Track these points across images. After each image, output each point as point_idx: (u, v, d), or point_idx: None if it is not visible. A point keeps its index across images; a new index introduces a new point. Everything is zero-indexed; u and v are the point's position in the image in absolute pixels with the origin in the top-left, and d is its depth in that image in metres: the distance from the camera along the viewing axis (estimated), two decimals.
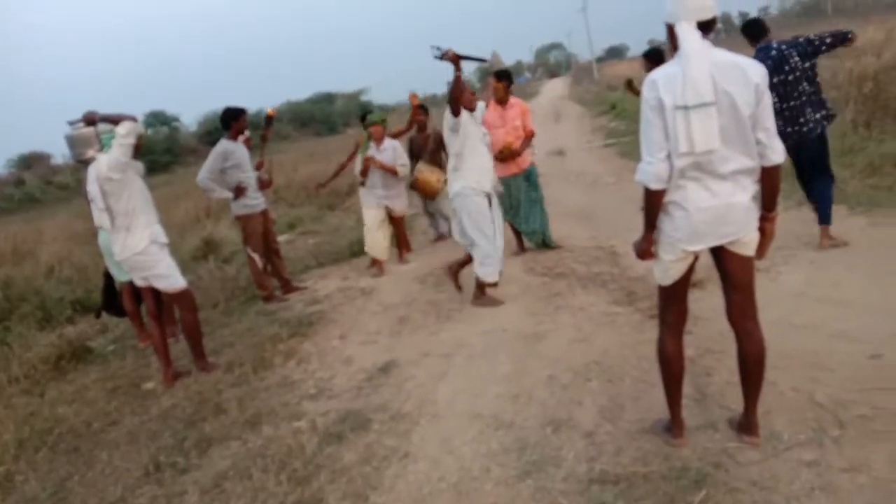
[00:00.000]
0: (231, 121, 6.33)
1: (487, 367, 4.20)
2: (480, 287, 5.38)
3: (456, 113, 5.06)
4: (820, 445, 2.76)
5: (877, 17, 34.42)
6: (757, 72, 2.52)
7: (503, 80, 6.46)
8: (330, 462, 3.36)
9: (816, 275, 4.67)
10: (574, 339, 4.37)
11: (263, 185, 7.23)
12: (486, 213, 5.23)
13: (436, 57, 4.81)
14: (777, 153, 2.60)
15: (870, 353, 3.43)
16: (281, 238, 9.68)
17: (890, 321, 3.73)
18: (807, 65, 5.03)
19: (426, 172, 7.20)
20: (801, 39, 5.13)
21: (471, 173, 5.18)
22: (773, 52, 5.04)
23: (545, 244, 6.68)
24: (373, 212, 7.02)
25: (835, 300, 4.19)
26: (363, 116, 7.40)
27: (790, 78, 5.01)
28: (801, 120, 5.03)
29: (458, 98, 5.00)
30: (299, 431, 3.74)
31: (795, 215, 6.14)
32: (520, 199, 6.53)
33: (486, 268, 5.24)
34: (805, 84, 5.02)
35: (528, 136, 6.51)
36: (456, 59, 4.85)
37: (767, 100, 2.56)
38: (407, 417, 3.72)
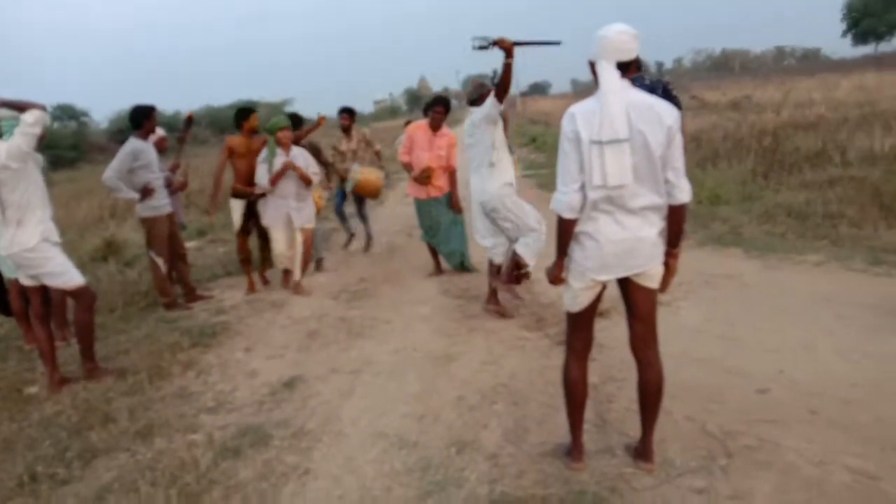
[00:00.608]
0: (143, 119, 6.08)
1: (396, 386, 4.16)
2: (495, 293, 5.39)
3: (501, 100, 4.90)
4: (709, 473, 2.88)
5: (777, 77, 37.25)
6: (670, 114, 2.65)
7: (443, 107, 6.45)
8: (224, 478, 3.21)
9: (714, 312, 4.92)
10: (484, 362, 4.40)
11: (177, 187, 6.99)
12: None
13: (480, 47, 4.63)
14: (684, 193, 2.72)
15: (758, 387, 3.63)
16: (190, 244, 9.33)
17: (778, 358, 3.98)
18: None
19: (367, 173, 7.06)
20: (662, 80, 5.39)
21: (508, 169, 5.10)
22: (647, 82, 5.30)
23: (463, 266, 6.74)
24: (281, 226, 6.41)
25: (730, 337, 4.42)
26: (241, 115, 6.66)
27: None
28: None
29: (508, 87, 4.81)
30: (194, 445, 3.57)
31: (698, 254, 6.48)
32: (440, 221, 6.56)
33: (532, 250, 5.08)
34: None
35: (452, 174, 6.55)
36: (510, 47, 4.59)
37: (678, 141, 2.69)
38: (309, 434, 3.62)
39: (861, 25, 71.58)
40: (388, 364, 4.55)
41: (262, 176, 6.30)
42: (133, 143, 6.01)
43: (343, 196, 8.29)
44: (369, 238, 8.50)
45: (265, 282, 7.01)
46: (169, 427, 3.81)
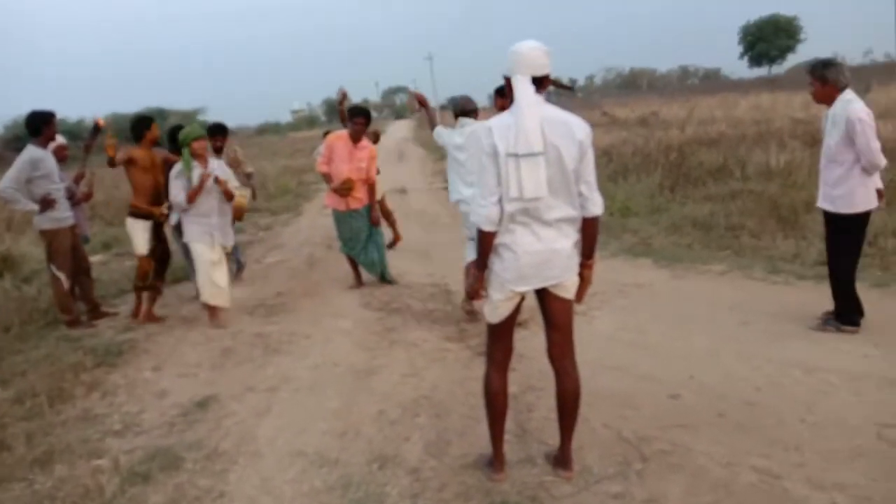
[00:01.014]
0: (41, 125, 5.74)
1: (315, 403, 4.07)
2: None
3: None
4: (625, 479, 2.96)
5: (681, 95, 39.21)
6: (582, 129, 2.73)
7: (364, 118, 6.36)
8: None
9: (627, 320, 5.09)
10: (406, 375, 4.37)
11: (81, 198, 6.63)
12: None
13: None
14: (597, 206, 2.81)
15: (669, 393, 3.78)
16: (94, 258, 8.85)
17: (687, 364, 4.15)
18: None
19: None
20: None
21: None
22: None
23: (383, 277, 6.69)
24: (206, 247, 5.69)
25: (642, 344, 4.58)
26: (141, 124, 6.08)
27: None
28: None
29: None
30: (99, 471, 3.36)
31: (611, 264, 6.69)
32: (359, 232, 6.49)
33: None
34: None
35: (371, 186, 6.50)
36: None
37: (590, 156, 2.77)
38: (224, 456, 3.48)
39: (756, 49, 76.58)
40: (306, 380, 4.45)
41: (177, 193, 5.56)
42: (31, 150, 5.66)
43: None
44: (240, 265, 7.60)
45: (154, 319, 6.03)
46: (71, 453, 3.58)
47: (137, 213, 5.92)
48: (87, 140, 6.67)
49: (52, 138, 5.92)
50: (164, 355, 5.13)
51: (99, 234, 10.49)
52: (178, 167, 5.62)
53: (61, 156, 6.50)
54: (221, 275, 5.77)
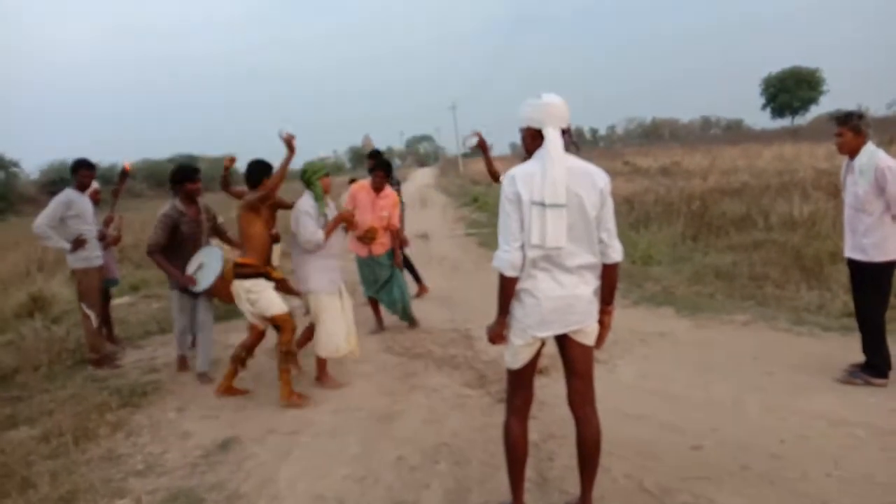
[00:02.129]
0: (82, 169, 6.03)
1: (335, 447, 4.08)
2: None
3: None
4: None
5: (703, 145, 39.35)
6: (602, 178, 2.81)
7: (383, 170, 6.50)
8: None
9: (649, 369, 5.05)
10: (426, 420, 4.38)
11: (111, 241, 6.82)
12: None
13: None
14: (617, 252, 2.86)
15: (692, 444, 3.73)
16: (122, 300, 9.04)
17: (709, 415, 4.10)
18: None
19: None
20: None
21: None
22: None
23: (404, 316, 6.74)
24: (333, 297, 5.26)
25: (663, 393, 4.54)
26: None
27: None
28: None
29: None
30: None
31: (633, 313, 6.67)
32: (380, 276, 6.59)
33: None
34: None
35: (394, 234, 6.62)
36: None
37: (610, 204, 2.84)
38: (244, 498, 3.51)
39: (778, 100, 76.88)
40: (327, 424, 4.47)
41: (314, 231, 4.97)
42: (67, 193, 5.96)
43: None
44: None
45: (297, 401, 4.89)
46: (94, 492, 3.63)
47: (251, 274, 4.85)
48: (117, 185, 6.93)
49: (88, 184, 6.15)
50: (188, 397, 5.19)
51: (127, 276, 10.69)
52: (307, 204, 5.07)
53: (94, 199, 6.73)
54: (349, 321, 5.32)
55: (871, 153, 4.35)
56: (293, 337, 4.98)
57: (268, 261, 4.97)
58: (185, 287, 5.55)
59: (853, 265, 4.53)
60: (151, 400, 5.16)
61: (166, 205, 5.61)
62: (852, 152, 4.45)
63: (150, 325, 7.77)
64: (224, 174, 5.42)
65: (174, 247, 5.51)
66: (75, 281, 6.15)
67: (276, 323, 4.93)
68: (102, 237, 6.36)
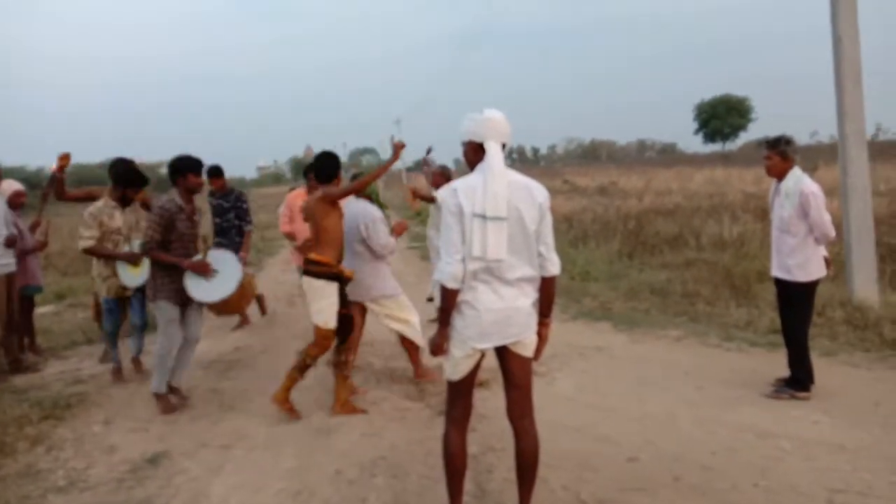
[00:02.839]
0: None
1: (270, 461, 3.98)
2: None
3: None
4: None
5: (639, 167, 40.61)
6: (542, 193, 2.87)
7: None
8: None
9: (586, 382, 5.14)
10: (364, 434, 4.31)
11: (37, 246, 6.51)
12: None
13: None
14: (555, 265, 2.91)
15: (628, 456, 3.81)
16: (46, 308, 8.64)
17: (644, 427, 4.20)
18: None
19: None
20: None
21: None
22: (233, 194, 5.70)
23: None
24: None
25: (601, 406, 4.62)
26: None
27: None
28: None
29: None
30: None
31: (571, 327, 6.79)
32: None
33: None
34: None
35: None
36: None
37: (549, 218, 2.90)
38: None
39: (710, 125, 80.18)
40: (262, 438, 4.35)
41: (387, 238, 4.95)
42: None
43: (117, 305, 5.75)
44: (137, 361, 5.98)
45: (353, 410, 4.71)
46: None
47: (323, 273, 4.51)
48: (45, 188, 6.60)
49: None
50: (116, 409, 4.98)
51: (52, 283, 10.22)
52: (376, 212, 4.97)
53: (17, 202, 6.42)
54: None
55: (797, 178, 4.58)
56: (321, 354, 4.66)
57: (340, 257, 4.68)
58: (177, 296, 4.85)
59: (779, 284, 4.74)
60: (75, 412, 4.92)
61: (162, 197, 4.92)
62: (780, 176, 4.67)
63: (76, 334, 7.43)
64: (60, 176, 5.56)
65: (164, 247, 4.81)
66: None
67: (316, 333, 4.58)
68: (11, 243, 5.86)
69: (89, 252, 5.48)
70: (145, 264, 5.24)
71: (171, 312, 4.87)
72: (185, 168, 4.87)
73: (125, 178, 5.55)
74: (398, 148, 4.67)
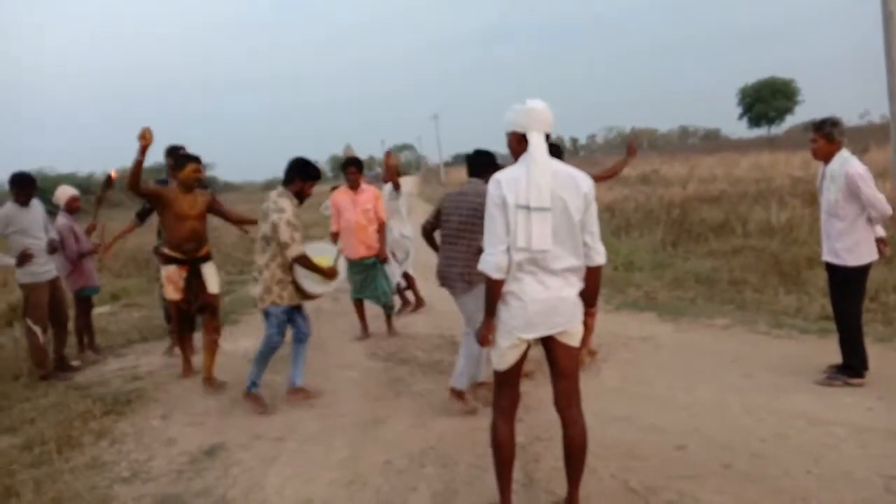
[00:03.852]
0: (23, 185, 5.90)
1: (322, 452, 4.09)
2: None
3: None
4: None
5: (682, 154, 39.85)
6: (586, 182, 2.87)
7: (355, 167, 6.70)
8: None
9: (632, 373, 5.12)
10: (413, 425, 4.39)
11: (93, 249, 6.78)
12: None
13: None
14: (600, 255, 2.91)
15: (675, 444, 3.79)
16: (102, 309, 8.96)
17: (692, 416, 4.17)
18: None
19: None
20: None
21: None
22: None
23: (385, 306, 6.78)
24: None
25: (647, 396, 4.61)
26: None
27: None
28: None
29: None
30: None
31: (616, 317, 6.75)
32: (368, 275, 6.66)
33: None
34: None
35: (381, 225, 6.69)
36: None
37: (594, 208, 2.89)
38: (232, 503, 3.50)
39: (755, 110, 78.01)
40: (314, 430, 4.47)
41: None
42: (6, 208, 5.86)
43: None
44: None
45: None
46: (80, 499, 3.60)
47: None
48: (99, 193, 6.88)
49: (31, 197, 5.94)
50: (173, 404, 5.17)
51: (107, 285, 10.59)
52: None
53: (73, 207, 6.71)
54: None
55: (843, 160, 4.47)
56: None
57: None
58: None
59: (829, 269, 4.64)
60: (135, 408, 5.12)
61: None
62: (826, 158, 4.57)
63: (132, 333, 7.71)
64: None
65: None
66: (23, 295, 6.02)
67: None
68: (53, 250, 6.10)
69: (299, 261, 4.72)
70: (341, 266, 5.10)
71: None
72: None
73: (306, 172, 4.88)
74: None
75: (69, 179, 35.81)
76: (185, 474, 3.90)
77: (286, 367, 5.93)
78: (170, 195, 5.24)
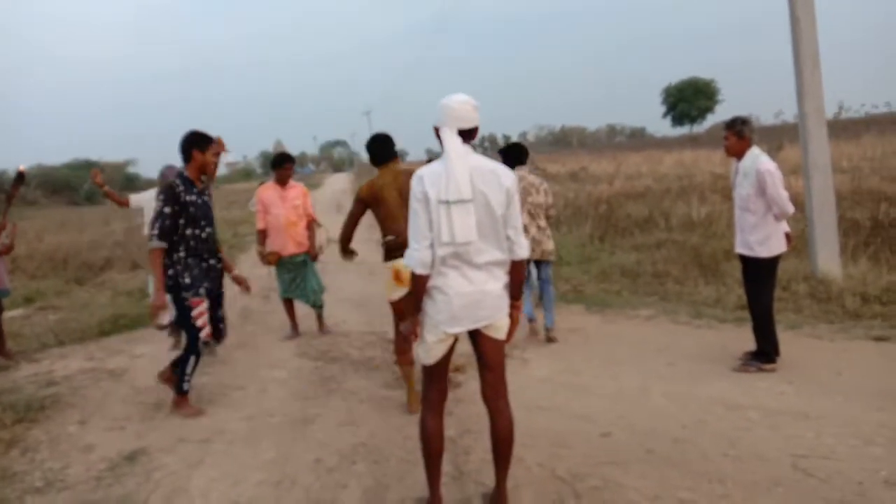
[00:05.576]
0: None
1: (250, 453, 4.00)
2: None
3: None
4: None
5: (609, 152, 40.92)
6: (508, 177, 2.89)
7: (292, 163, 6.58)
8: None
9: (560, 363, 5.23)
10: (343, 423, 4.35)
11: (3, 250, 6.40)
12: None
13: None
14: (523, 249, 2.95)
15: (601, 431, 3.90)
16: (15, 312, 8.51)
17: (617, 404, 4.30)
18: None
19: None
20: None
21: None
22: None
23: (317, 305, 6.71)
24: None
25: (574, 385, 4.72)
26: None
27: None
28: None
29: None
30: None
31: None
32: (297, 273, 6.56)
33: None
34: None
35: (310, 222, 6.59)
36: None
37: (516, 202, 2.92)
38: None
39: (678, 109, 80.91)
40: (241, 431, 4.36)
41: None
42: None
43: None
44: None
45: None
46: None
47: None
48: (11, 190, 6.51)
49: None
50: (90, 409, 4.94)
51: (21, 287, 10.04)
52: None
53: None
54: None
55: (754, 157, 4.70)
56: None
57: None
58: None
59: (743, 260, 4.86)
60: (49, 414, 4.87)
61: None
62: (738, 155, 4.79)
63: (47, 337, 7.33)
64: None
65: None
66: None
67: None
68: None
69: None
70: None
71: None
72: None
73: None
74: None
75: None
76: (104, 481, 3.74)
77: (216, 368, 5.80)
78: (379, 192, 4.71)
